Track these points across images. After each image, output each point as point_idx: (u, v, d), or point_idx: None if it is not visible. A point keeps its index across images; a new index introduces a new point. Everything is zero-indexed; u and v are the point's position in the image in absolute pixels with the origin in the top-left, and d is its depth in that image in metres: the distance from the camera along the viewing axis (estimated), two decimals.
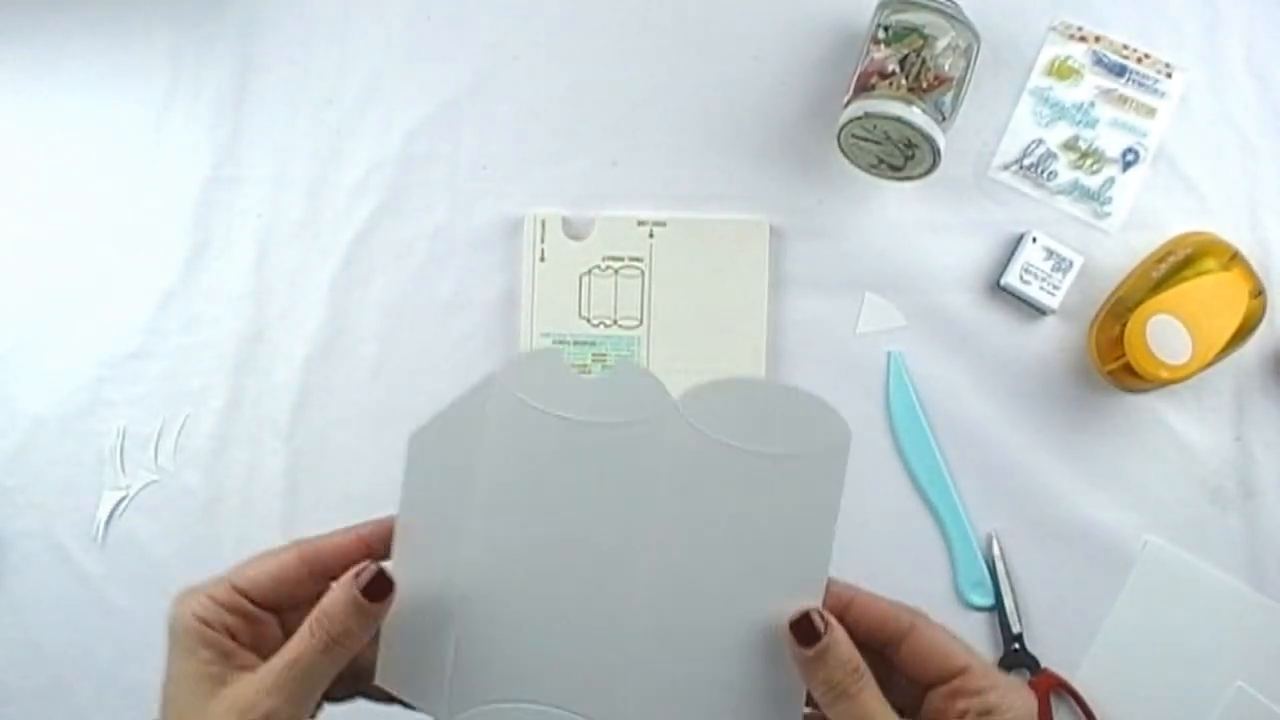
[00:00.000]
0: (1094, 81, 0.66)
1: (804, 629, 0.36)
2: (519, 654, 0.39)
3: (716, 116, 0.68)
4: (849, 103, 0.62)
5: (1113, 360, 0.62)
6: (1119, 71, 0.66)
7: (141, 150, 0.70)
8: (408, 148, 0.69)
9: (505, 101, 0.69)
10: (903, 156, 0.62)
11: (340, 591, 0.36)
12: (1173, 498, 0.65)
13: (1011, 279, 0.64)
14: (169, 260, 0.69)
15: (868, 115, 0.60)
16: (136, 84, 0.71)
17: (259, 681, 0.35)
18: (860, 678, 0.36)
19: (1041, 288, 0.64)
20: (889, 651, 0.38)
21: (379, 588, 0.36)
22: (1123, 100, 0.66)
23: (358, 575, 0.36)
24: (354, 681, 0.39)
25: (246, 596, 0.38)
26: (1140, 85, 0.66)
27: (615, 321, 0.67)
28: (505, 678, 0.39)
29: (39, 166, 0.71)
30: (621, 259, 0.68)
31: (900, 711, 0.36)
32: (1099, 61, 0.66)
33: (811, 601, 0.37)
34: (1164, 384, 0.62)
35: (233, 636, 0.38)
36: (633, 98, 0.68)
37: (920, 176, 0.63)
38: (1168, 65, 0.66)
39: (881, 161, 0.63)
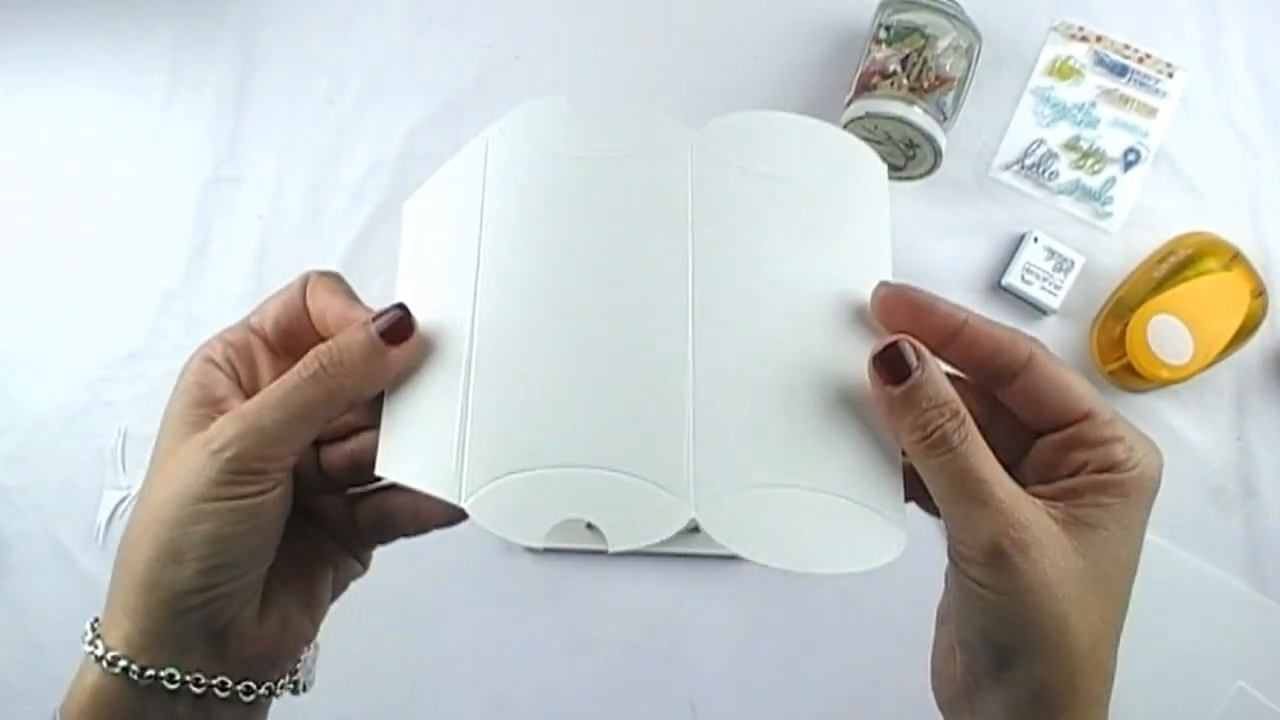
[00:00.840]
0: (1095, 81, 0.66)
1: (891, 361, 0.30)
2: (544, 415, 0.32)
3: (717, 116, 0.68)
4: (850, 102, 0.62)
5: (1114, 360, 0.62)
6: (1120, 71, 0.66)
7: (142, 150, 0.70)
8: (408, 147, 0.69)
9: (505, 101, 0.69)
10: (904, 156, 0.62)
11: (356, 330, 0.31)
12: (1173, 498, 0.64)
13: (1013, 279, 0.64)
14: (169, 260, 0.69)
15: (869, 115, 0.60)
16: (137, 84, 0.71)
17: (232, 414, 0.30)
18: (961, 424, 0.29)
19: (1043, 288, 0.64)
20: (998, 388, 0.31)
21: (399, 330, 0.31)
22: (1124, 100, 0.66)
23: (378, 315, 0.32)
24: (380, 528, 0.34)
25: (258, 334, 0.34)
26: (1141, 85, 0.66)
27: None
28: (530, 444, 0.31)
29: (40, 166, 0.71)
30: None
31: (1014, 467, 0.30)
32: (1100, 61, 0.66)
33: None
34: (1165, 384, 0.62)
35: (240, 375, 0.33)
36: (632, 98, 0.68)
37: (921, 176, 0.63)
38: (1169, 65, 0.66)
39: (883, 161, 0.63)
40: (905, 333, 0.31)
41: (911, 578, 0.67)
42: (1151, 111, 0.66)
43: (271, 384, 0.31)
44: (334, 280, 0.34)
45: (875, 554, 0.32)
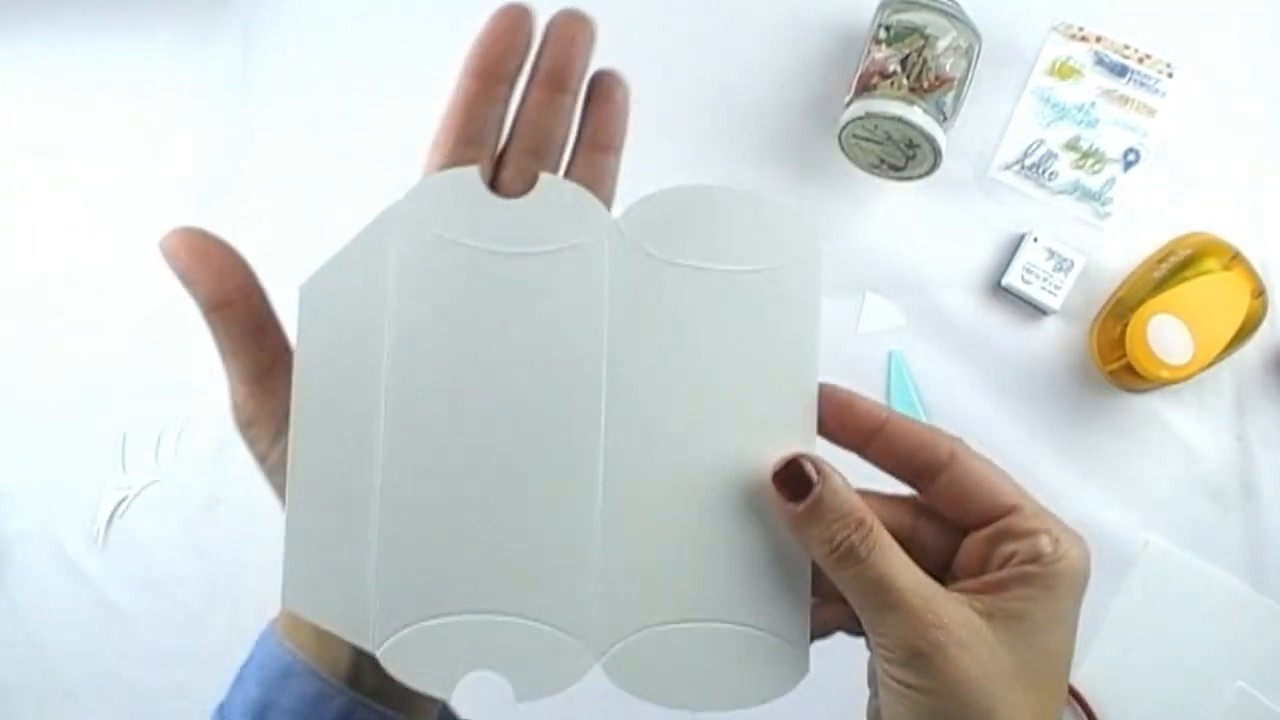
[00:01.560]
0: (1095, 81, 0.66)
1: (790, 479, 0.30)
2: (454, 555, 0.31)
3: (717, 116, 0.68)
4: (850, 102, 0.62)
5: (1114, 360, 0.62)
6: (1120, 71, 0.66)
7: (142, 150, 0.70)
8: (408, 148, 0.69)
9: None
10: (904, 156, 0.62)
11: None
12: (1173, 498, 0.65)
13: (1013, 279, 0.64)
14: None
15: (869, 115, 0.60)
16: (137, 83, 0.70)
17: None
18: (868, 534, 0.29)
19: (1043, 288, 0.64)
20: (922, 487, 0.32)
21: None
22: (1124, 100, 0.66)
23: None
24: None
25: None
26: (1141, 85, 0.66)
27: None
28: (440, 587, 0.30)
29: (40, 166, 0.71)
30: None
31: (937, 566, 0.30)
32: (1100, 61, 0.66)
33: (800, 444, 0.31)
34: (1165, 384, 0.62)
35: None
36: (632, 98, 0.68)
37: (921, 176, 0.63)
38: (1169, 65, 0.66)
39: (883, 161, 0.63)
40: (830, 431, 0.32)
41: None
42: (1151, 111, 0.66)
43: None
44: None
45: (776, 685, 0.32)
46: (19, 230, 0.71)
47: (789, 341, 0.33)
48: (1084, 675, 0.64)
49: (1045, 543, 0.30)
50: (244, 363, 0.34)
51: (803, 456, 0.30)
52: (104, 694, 0.68)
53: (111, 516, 0.69)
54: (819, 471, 0.30)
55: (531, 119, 0.34)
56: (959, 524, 0.32)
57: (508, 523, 0.31)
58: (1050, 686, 0.30)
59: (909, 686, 0.28)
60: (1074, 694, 0.64)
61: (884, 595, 0.29)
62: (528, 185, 0.32)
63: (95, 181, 0.70)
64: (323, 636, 0.31)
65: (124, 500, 0.69)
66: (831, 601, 0.31)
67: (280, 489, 0.32)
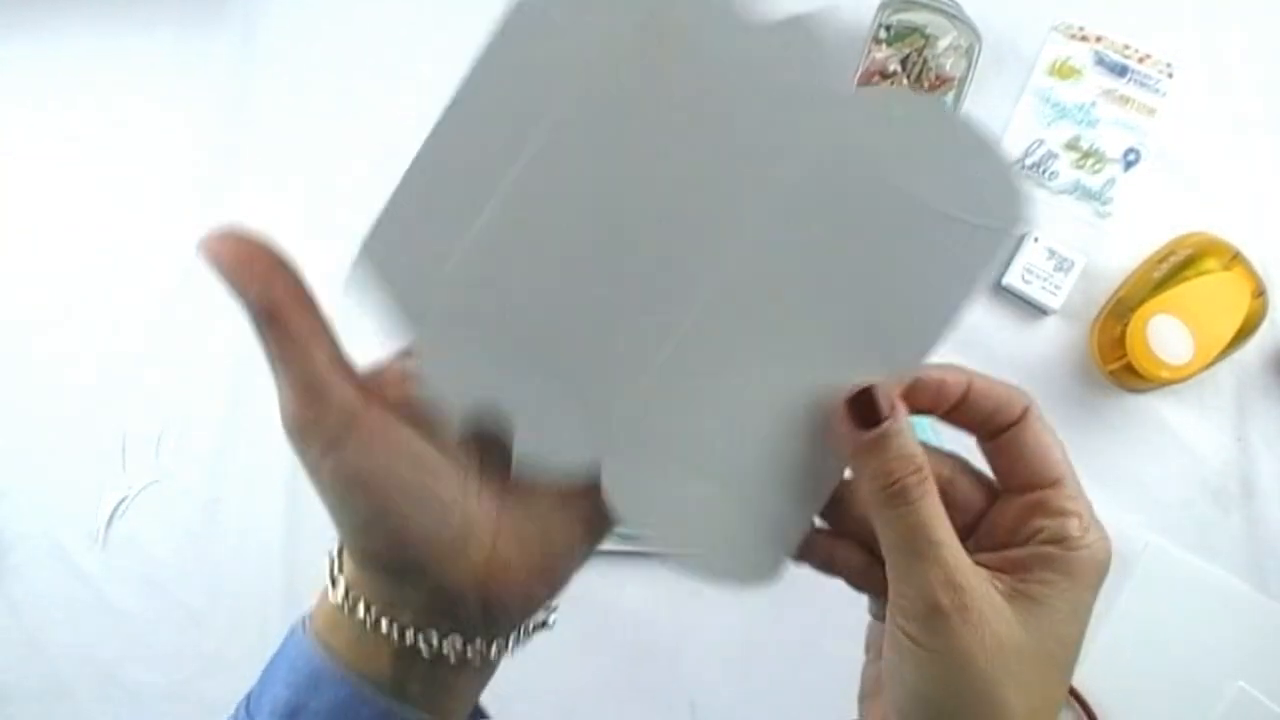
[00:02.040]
0: (1095, 81, 0.66)
1: (864, 406, 0.29)
2: (531, 296, 0.31)
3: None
4: None
5: (1114, 360, 0.62)
6: (1120, 71, 0.66)
7: (142, 150, 0.70)
8: (408, 147, 0.69)
9: None
10: None
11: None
12: (1173, 498, 0.65)
13: (1013, 279, 0.64)
14: (169, 260, 0.69)
15: None
16: (137, 83, 0.70)
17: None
18: (923, 480, 0.29)
19: (1043, 288, 0.64)
20: (985, 439, 0.32)
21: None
22: (1124, 100, 0.66)
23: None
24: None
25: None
26: (1141, 85, 0.66)
27: None
28: (504, 315, 0.31)
29: (40, 167, 0.71)
30: None
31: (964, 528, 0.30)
32: (1100, 61, 0.66)
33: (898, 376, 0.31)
34: (1165, 384, 0.62)
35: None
36: None
37: None
38: (1169, 65, 0.66)
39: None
40: (922, 410, 0.31)
41: None
42: (1151, 111, 0.66)
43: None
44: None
45: (744, 574, 0.32)
46: (19, 229, 0.71)
47: (934, 295, 0.31)
48: (1084, 675, 0.64)
49: (1075, 526, 0.30)
50: (295, 370, 0.32)
51: (880, 388, 0.30)
52: (104, 694, 0.68)
53: (111, 516, 0.69)
54: (892, 406, 0.30)
55: None
56: (1004, 483, 0.31)
57: (587, 299, 0.31)
58: (1061, 673, 0.30)
59: (920, 644, 0.28)
60: (1074, 694, 0.64)
61: (920, 544, 0.28)
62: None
63: (95, 181, 0.70)
64: (361, 640, 0.31)
65: (124, 500, 0.69)
66: (845, 543, 0.32)
67: (332, 505, 0.30)
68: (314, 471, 0.30)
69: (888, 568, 0.30)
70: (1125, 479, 0.65)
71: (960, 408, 0.31)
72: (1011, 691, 0.28)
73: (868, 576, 0.31)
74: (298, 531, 0.68)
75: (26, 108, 0.71)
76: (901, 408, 0.30)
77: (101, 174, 0.70)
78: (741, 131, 0.30)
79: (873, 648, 0.33)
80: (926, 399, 0.31)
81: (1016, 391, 0.31)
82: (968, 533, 0.31)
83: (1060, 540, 0.29)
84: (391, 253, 0.32)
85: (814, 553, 0.32)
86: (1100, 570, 0.30)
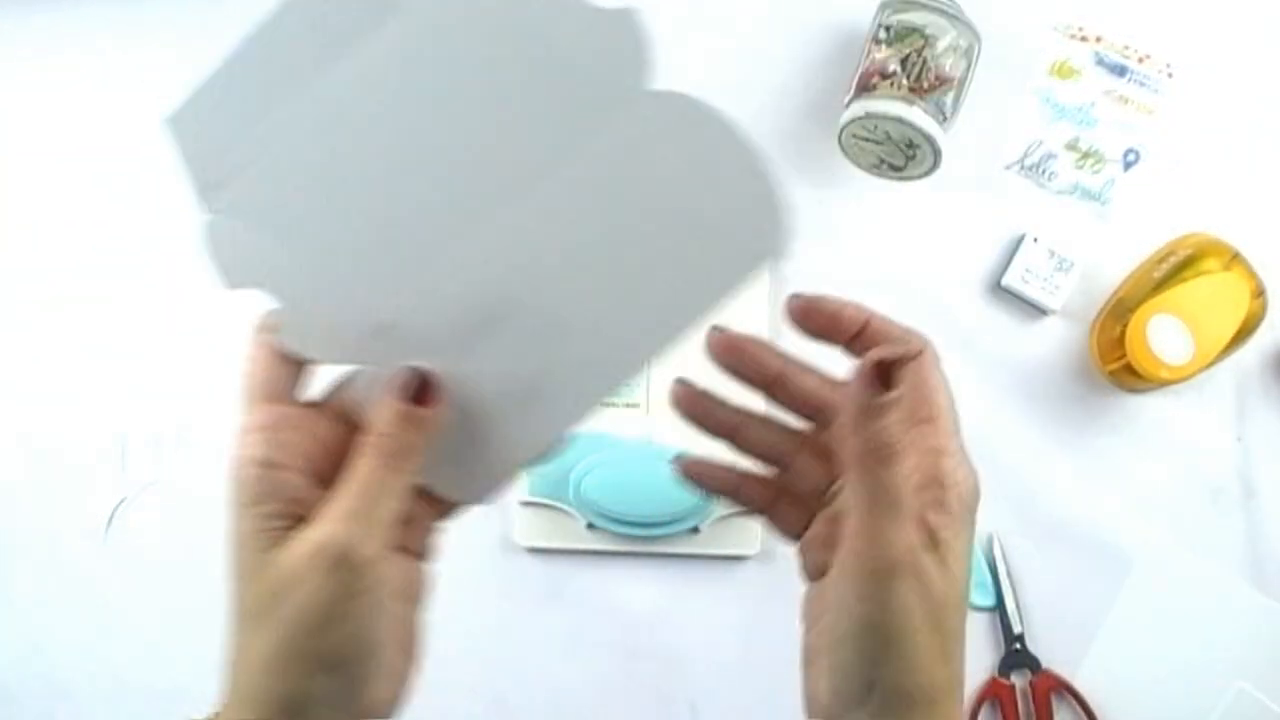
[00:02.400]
0: (1095, 82, 0.66)
1: (886, 372, 0.31)
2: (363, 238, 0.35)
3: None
4: (850, 103, 0.62)
5: (1114, 360, 0.62)
6: (1120, 72, 0.66)
7: (141, 150, 0.70)
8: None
9: None
10: (904, 157, 0.62)
11: (388, 405, 0.32)
12: (1173, 498, 0.65)
13: (1012, 279, 0.64)
14: (169, 260, 0.69)
15: (869, 115, 0.60)
16: (136, 83, 0.70)
17: (330, 514, 0.32)
18: (908, 445, 0.32)
19: (1042, 288, 0.64)
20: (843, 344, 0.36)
21: (427, 392, 0.33)
22: (1124, 100, 0.66)
23: (399, 386, 0.33)
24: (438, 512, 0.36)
25: (269, 402, 0.36)
26: (1141, 85, 0.66)
27: None
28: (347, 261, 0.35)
29: (39, 166, 0.71)
30: None
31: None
32: (1100, 62, 0.66)
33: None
34: (1165, 384, 0.62)
35: (290, 459, 0.34)
36: None
37: (921, 177, 0.63)
38: (1168, 65, 0.66)
39: (882, 161, 0.63)
40: (820, 334, 0.35)
41: None
42: (1151, 112, 0.66)
43: (349, 484, 0.32)
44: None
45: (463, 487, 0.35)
46: (17, 226, 0.71)
47: (677, 299, 0.34)
48: (1084, 675, 0.64)
49: (946, 464, 0.33)
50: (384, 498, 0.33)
51: (898, 361, 0.32)
52: (104, 694, 0.68)
53: (112, 516, 0.69)
54: (889, 369, 0.32)
55: None
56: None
57: (361, 206, 0.34)
58: (961, 612, 0.33)
59: (868, 600, 0.31)
60: (1074, 694, 0.64)
61: (897, 504, 0.31)
62: None
63: (95, 181, 0.70)
64: None
65: (125, 500, 0.69)
66: (752, 479, 0.36)
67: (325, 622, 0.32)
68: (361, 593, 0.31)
69: (859, 522, 0.31)
70: (1125, 479, 0.65)
71: (860, 339, 0.35)
72: (939, 639, 0.31)
73: (775, 510, 0.36)
74: None
75: (24, 108, 0.71)
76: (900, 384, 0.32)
77: (101, 173, 0.70)
78: (540, 112, 0.33)
79: (808, 618, 0.35)
80: (822, 322, 0.35)
81: (914, 332, 0.35)
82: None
83: (934, 478, 0.32)
84: (193, 127, 0.37)
85: (717, 481, 0.37)
86: (973, 502, 0.33)
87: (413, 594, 0.34)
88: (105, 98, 0.71)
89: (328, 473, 0.33)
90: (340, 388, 0.36)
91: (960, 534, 0.32)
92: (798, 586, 0.37)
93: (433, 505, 0.35)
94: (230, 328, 0.70)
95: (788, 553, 0.38)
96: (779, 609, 0.65)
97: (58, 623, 0.68)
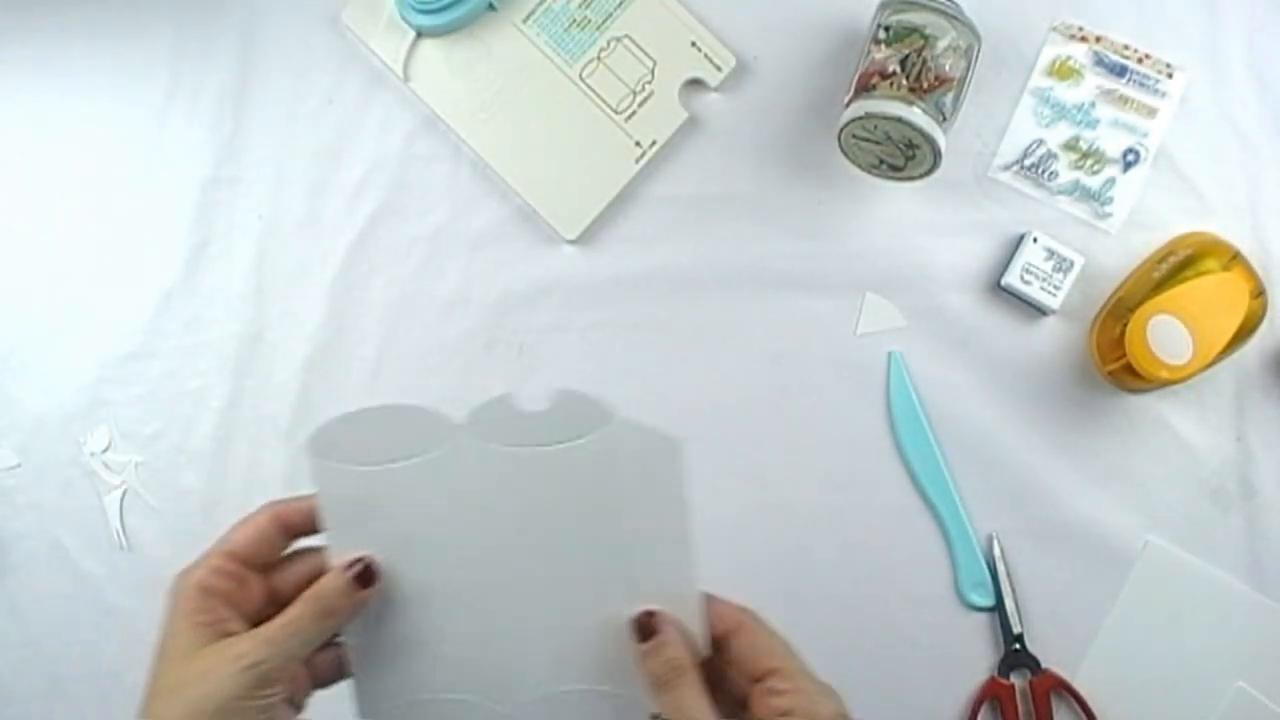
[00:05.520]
0: (1095, 82, 0.66)
1: (642, 626, 0.42)
2: (450, 665, 0.45)
3: (716, 117, 0.68)
4: (849, 103, 0.62)
5: (1113, 360, 0.62)
6: (1120, 72, 0.66)
7: (141, 150, 0.70)
8: (408, 148, 0.69)
9: None
10: (903, 157, 0.62)
11: (335, 575, 0.42)
12: (1173, 498, 0.65)
13: (1012, 279, 0.64)
14: (169, 260, 0.69)
15: (868, 115, 0.60)
16: (137, 83, 0.70)
17: (255, 637, 0.40)
18: (682, 674, 0.41)
19: (1042, 288, 0.64)
20: (722, 647, 0.43)
21: (367, 576, 0.43)
22: (1123, 100, 0.66)
23: (350, 565, 0.42)
24: (338, 672, 0.45)
25: (236, 559, 0.43)
26: (1141, 85, 0.66)
27: None
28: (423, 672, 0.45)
29: (39, 167, 0.71)
30: None
31: (735, 707, 0.42)
32: (1100, 62, 0.66)
33: (677, 598, 0.43)
34: (1165, 384, 0.62)
35: (227, 600, 0.42)
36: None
37: (921, 177, 0.63)
38: (1168, 65, 0.66)
39: (882, 162, 0.63)
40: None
41: (911, 581, 0.68)
42: (1151, 112, 0.66)
43: (281, 617, 0.41)
44: (302, 512, 0.44)
45: None
46: (18, 230, 0.71)
47: (657, 514, 0.44)
48: (1084, 675, 0.64)
49: (795, 701, 0.41)
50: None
51: (656, 611, 0.42)
52: (104, 694, 0.68)
53: (111, 516, 0.69)
54: (662, 625, 0.42)
55: None
56: (744, 677, 0.43)
57: (463, 635, 0.45)
58: None
59: None
60: (1074, 694, 0.64)
61: (681, 715, 0.41)
62: None
63: (95, 181, 0.70)
64: None
65: (124, 500, 0.69)
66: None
67: None
68: (260, 698, 0.39)
69: None
70: (1124, 479, 0.65)
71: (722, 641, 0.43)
72: None
73: None
74: None
75: (25, 108, 0.71)
76: (671, 627, 0.42)
77: (101, 173, 0.70)
78: (589, 539, 0.44)
79: None
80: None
81: (733, 606, 0.44)
82: (742, 710, 0.43)
83: (786, 714, 0.40)
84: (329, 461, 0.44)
85: None
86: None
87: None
88: (105, 98, 0.71)
89: (251, 618, 0.42)
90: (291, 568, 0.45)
91: None
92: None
93: (319, 675, 0.44)
94: (231, 328, 0.70)
95: None
96: (779, 609, 0.65)
97: (58, 623, 0.68)
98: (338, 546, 0.44)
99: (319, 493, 0.43)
